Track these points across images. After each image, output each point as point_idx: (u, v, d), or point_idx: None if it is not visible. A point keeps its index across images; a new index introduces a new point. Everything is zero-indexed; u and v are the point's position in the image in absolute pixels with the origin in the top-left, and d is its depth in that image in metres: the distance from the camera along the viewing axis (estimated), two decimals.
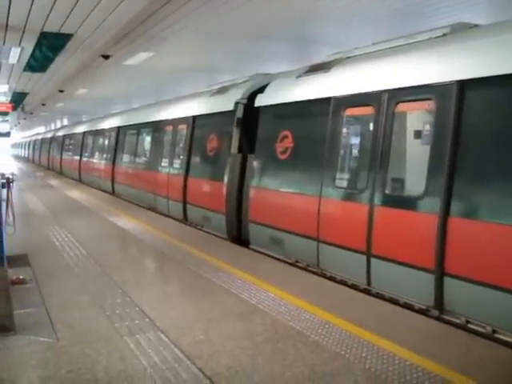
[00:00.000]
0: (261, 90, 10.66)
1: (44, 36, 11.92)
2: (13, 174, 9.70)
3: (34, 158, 52.63)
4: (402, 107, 7.20)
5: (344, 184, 8.31)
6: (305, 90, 9.09)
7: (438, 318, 6.15)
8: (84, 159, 27.91)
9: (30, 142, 61.10)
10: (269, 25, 11.42)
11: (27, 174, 33.21)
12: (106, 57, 14.52)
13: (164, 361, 4.72)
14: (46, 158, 42.49)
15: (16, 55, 13.85)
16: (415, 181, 7.03)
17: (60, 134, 37.74)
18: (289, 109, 9.51)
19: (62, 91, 22.63)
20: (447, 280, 6.11)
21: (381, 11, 10.03)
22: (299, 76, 9.44)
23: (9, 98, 24.97)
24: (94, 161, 25.62)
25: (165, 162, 15.35)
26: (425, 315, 6.22)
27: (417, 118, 7.68)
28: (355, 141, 8.88)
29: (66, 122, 44.44)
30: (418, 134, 7.62)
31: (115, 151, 21.46)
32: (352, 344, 5.15)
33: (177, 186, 13.88)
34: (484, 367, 4.63)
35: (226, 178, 11.25)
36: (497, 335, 5.57)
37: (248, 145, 10.85)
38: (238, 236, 10.93)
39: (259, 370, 4.54)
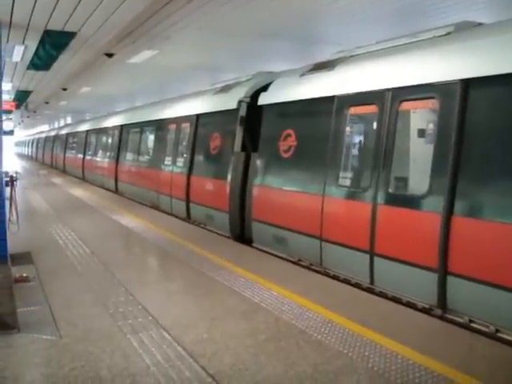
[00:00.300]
0: (264, 88, 10.65)
1: (48, 34, 11.93)
2: (16, 173, 9.72)
3: (38, 157, 52.71)
4: (405, 106, 7.19)
5: (347, 183, 8.30)
6: (308, 88, 9.08)
7: (441, 317, 6.14)
8: (87, 157, 27.93)
9: (33, 140, 61.18)
10: (272, 23, 11.41)
11: (31, 172, 33.29)
12: (110, 55, 14.53)
13: (167, 359, 4.72)
14: (50, 157, 42.56)
15: (19, 53, 13.87)
16: (419, 180, 7.02)
17: (63, 132, 37.79)
18: (292, 107, 9.51)
19: (65, 89, 22.64)
20: (450, 279, 6.10)
21: (383, 10, 10.01)
22: (303, 74, 9.43)
23: (12, 97, 24.99)
24: (98, 159, 25.64)
25: (168, 161, 15.35)
26: (428, 314, 6.22)
27: (420, 116, 7.67)
28: (359, 139, 8.88)
29: (69, 120, 44.49)
30: (421, 133, 7.61)
31: (118, 149, 21.47)
32: (355, 343, 5.14)
33: (180, 185, 13.89)
34: (487, 366, 4.62)
35: (229, 177, 11.24)
36: (500, 334, 5.56)
37: (251, 143, 10.84)
38: (241, 234, 10.92)
39: (262, 369, 4.54)
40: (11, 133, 36.84)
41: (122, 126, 21.46)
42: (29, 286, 6.98)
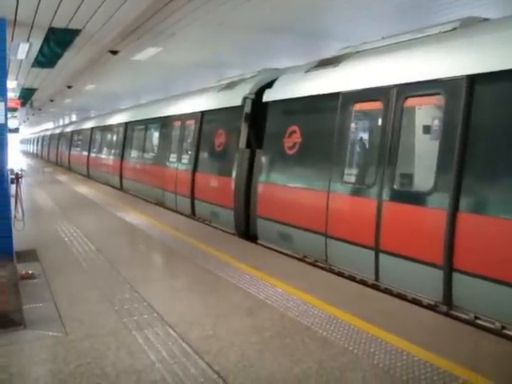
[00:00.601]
0: (269, 85, 10.64)
1: (52, 32, 11.95)
2: (22, 170, 9.74)
3: (43, 154, 52.82)
4: (410, 102, 7.17)
5: (352, 179, 8.29)
6: (313, 84, 9.06)
7: (447, 314, 6.13)
8: (92, 155, 27.98)
9: (38, 137, 61.33)
10: (276, 19, 11.40)
11: (36, 170, 33.39)
12: (114, 52, 14.55)
13: (172, 355, 4.73)
14: (55, 154, 42.65)
15: (24, 51, 13.88)
16: (424, 176, 7.01)
17: (68, 129, 37.86)
18: (297, 104, 9.49)
19: (70, 87, 22.69)
20: (456, 276, 6.09)
21: (388, 5, 10.01)
22: (308, 71, 9.42)
23: (17, 94, 25.05)
24: (102, 156, 25.69)
25: (173, 158, 15.37)
26: (433, 311, 6.21)
27: (426, 113, 7.66)
28: (364, 136, 8.87)
29: (74, 117, 44.58)
30: (426, 129, 7.60)
31: (123, 147, 21.50)
32: (360, 339, 5.14)
33: (185, 182, 13.90)
34: (493, 363, 4.61)
35: (234, 174, 11.25)
36: (506, 331, 5.55)
37: (256, 140, 10.84)
38: (246, 231, 10.93)
39: (267, 365, 4.54)
40: (16, 130, 36.94)
41: (126, 123, 21.48)
42: (34, 282, 7.00)
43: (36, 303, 6.11)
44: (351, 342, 5.09)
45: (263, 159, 10.34)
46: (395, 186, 7.12)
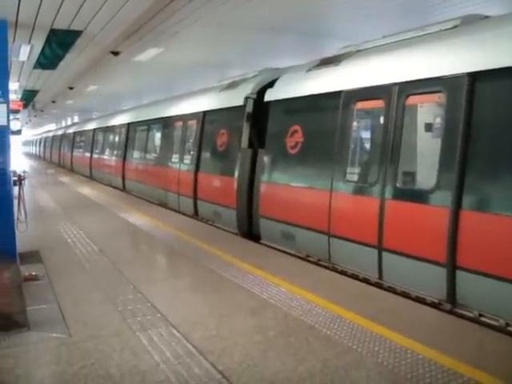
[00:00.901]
0: (270, 84, 10.64)
1: (54, 33, 11.96)
2: (24, 172, 9.75)
3: (45, 156, 52.90)
4: (412, 100, 7.16)
5: (355, 178, 8.29)
6: (315, 83, 9.05)
7: (451, 312, 6.12)
8: (95, 156, 28.01)
9: (40, 139, 61.40)
10: (278, 18, 11.40)
11: (38, 172, 33.43)
12: (116, 53, 14.56)
13: (176, 356, 4.73)
14: (57, 156, 42.70)
15: (26, 52, 13.90)
16: (426, 174, 7.00)
17: (70, 131, 37.90)
18: (299, 103, 9.49)
19: (72, 88, 22.71)
20: (459, 273, 6.08)
21: (389, 4, 9.99)
22: (309, 70, 9.41)
23: (19, 96, 25.07)
24: (105, 157, 25.70)
25: (175, 158, 15.37)
26: (437, 309, 6.20)
27: (427, 110, 7.65)
28: (366, 134, 8.87)
29: (76, 119, 44.62)
30: (428, 127, 7.59)
31: (126, 148, 21.51)
32: (364, 338, 5.14)
33: (187, 182, 13.90)
34: (497, 361, 4.61)
35: (236, 173, 11.25)
36: (510, 328, 5.54)
37: (258, 140, 10.84)
38: (249, 231, 10.93)
39: (271, 365, 4.54)
40: (19, 132, 37.01)
41: (128, 124, 21.50)
42: (38, 284, 7.00)
43: (40, 305, 6.11)
44: (355, 340, 5.09)
45: (265, 159, 10.33)
46: (398, 185, 7.11)
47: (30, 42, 12.93)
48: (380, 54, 7.95)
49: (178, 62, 16.89)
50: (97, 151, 27.72)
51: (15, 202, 8.18)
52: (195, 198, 13.48)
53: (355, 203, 7.95)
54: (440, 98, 6.72)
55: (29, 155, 70.36)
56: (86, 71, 18.34)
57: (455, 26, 7.02)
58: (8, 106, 6.86)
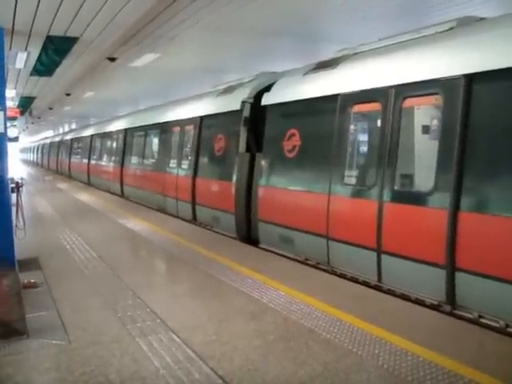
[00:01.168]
0: (267, 88, 10.65)
1: (50, 40, 11.97)
2: (22, 179, 9.73)
3: (43, 162, 52.85)
4: (409, 102, 7.17)
5: (353, 181, 8.30)
6: (311, 87, 9.07)
7: (451, 314, 6.12)
8: (92, 162, 28.00)
9: (38, 146, 61.37)
10: (275, 22, 11.42)
11: (36, 178, 33.41)
12: (112, 59, 14.57)
13: (176, 361, 4.72)
14: (55, 162, 42.68)
15: (22, 60, 13.91)
16: (424, 176, 7.00)
17: (68, 137, 37.89)
18: (296, 107, 9.49)
19: (68, 94, 22.71)
20: (458, 275, 6.08)
21: (384, 7, 10.01)
22: (306, 73, 9.42)
23: (16, 103, 25.07)
24: (103, 163, 25.70)
25: (173, 163, 15.38)
26: (437, 311, 6.20)
27: (424, 113, 7.66)
28: (363, 137, 8.87)
29: (73, 125, 44.61)
30: (426, 129, 7.60)
31: (123, 153, 21.51)
32: (364, 341, 5.13)
33: (185, 187, 13.90)
34: (498, 362, 4.60)
35: (234, 178, 11.25)
36: (510, 329, 5.54)
37: (256, 144, 10.84)
38: (248, 235, 10.92)
39: (271, 369, 4.53)
40: (16, 139, 37.02)
41: (126, 129, 21.50)
42: (37, 291, 6.99)
43: (39, 312, 6.10)
44: (355, 343, 5.08)
45: (263, 163, 10.33)
46: (396, 187, 7.12)
47: (26, 49, 12.93)
48: (376, 56, 7.97)
49: (174, 68, 16.91)
50: (94, 157, 27.71)
51: (13, 209, 8.17)
52: (193, 203, 13.47)
53: (353, 206, 7.95)
54: (437, 100, 6.73)
55: (26, 162, 70.30)
56: (82, 77, 18.35)
57: (451, 28, 7.04)
58: (5, 113, 6.86)
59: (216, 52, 14.83)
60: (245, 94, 11.27)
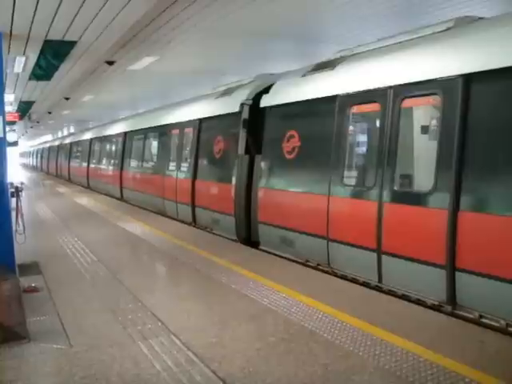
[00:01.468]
0: (266, 90, 10.65)
1: (48, 44, 11.95)
2: (21, 183, 9.72)
3: (43, 167, 52.88)
4: (408, 103, 7.17)
5: (352, 182, 8.30)
6: (310, 88, 9.07)
7: (451, 314, 6.11)
8: (92, 166, 28.01)
9: (37, 150, 61.39)
10: (272, 24, 11.41)
11: (36, 183, 33.42)
12: (111, 63, 14.55)
13: (177, 364, 4.72)
14: (54, 166, 42.69)
15: (21, 64, 13.89)
16: (424, 176, 7.00)
17: (67, 141, 37.91)
18: (294, 108, 9.50)
19: (67, 98, 22.68)
20: (459, 275, 6.07)
21: (382, 7, 10.00)
22: (304, 75, 9.43)
23: (15, 108, 25.05)
24: (102, 167, 25.70)
25: (172, 166, 15.37)
26: (438, 311, 6.20)
27: (423, 113, 7.66)
28: (362, 138, 8.87)
29: (72, 129, 44.60)
30: (425, 130, 7.59)
31: (122, 157, 21.52)
32: (365, 342, 5.13)
33: (185, 190, 13.89)
34: (499, 361, 4.60)
35: (233, 180, 11.24)
36: (511, 329, 5.53)
37: (255, 146, 10.85)
38: (248, 237, 10.92)
39: (273, 371, 4.53)
40: (15, 144, 37.03)
41: (125, 133, 21.51)
42: (37, 296, 7.00)
43: (39, 316, 6.10)
44: (356, 344, 5.08)
45: (262, 164, 10.33)
46: (395, 187, 7.12)
47: (24, 53, 12.91)
48: (375, 57, 7.97)
49: (173, 70, 16.89)
50: (94, 161, 27.72)
51: (13, 213, 8.17)
52: (193, 205, 13.47)
53: (353, 207, 7.95)
54: (435, 100, 6.73)
55: (26, 166, 70.31)
56: (81, 81, 18.32)
57: (449, 28, 7.04)
58: (4, 118, 6.87)
59: (214, 54, 14.82)
60: (243, 95, 11.27)
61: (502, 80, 5.78)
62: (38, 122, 36.25)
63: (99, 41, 11.94)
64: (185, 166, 14.41)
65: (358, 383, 4.32)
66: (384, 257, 7.15)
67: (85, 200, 20.30)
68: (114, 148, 23.80)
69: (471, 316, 5.95)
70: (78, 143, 33.26)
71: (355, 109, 8.10)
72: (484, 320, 5.81)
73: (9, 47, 11.84)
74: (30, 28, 10.45)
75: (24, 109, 25.93)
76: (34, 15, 9.57)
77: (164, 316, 6.03)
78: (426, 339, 5.10)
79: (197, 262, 8.80)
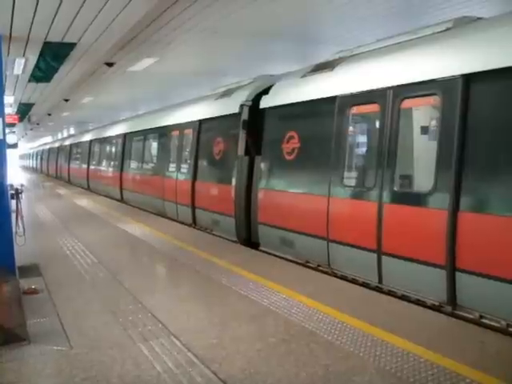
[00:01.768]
0: (266, 91, 10.66)
1: (48, 46, 11.97)
2: (21, 185, 9.72)
3: (42, 168, 52.89)
4: (407, 103, 7.17)
5: (352, 182, 8.30)
6: (309, 89, 9.07)
7: (452, 314, 6.11)
8: (92, 167, 28.01)
9: (37, 152, 61.40)
10: (271, 25, 11.41)
11: (36, 185, 33.42)
12: (110, 64, 14.56)
13: (178, 365, 4.72)
14: (54, 168, 42.70)
15: (20, 66, 13.90)
16: (424, 177, 7.00)
17: (67, 143, 37.92)
18: (294, 109, 9.50)
19: (67, 100, 22.69)
20: (459, 275, 6.07)
21: (382, 8, 10.01)
22: (303, 76, 9.43)
23: (15, 110, 25.06)
24: (102, 168, 25.71)
25: (172, 167, 15.37)
26: (438, 311, 6.20)
27: (423, 114, 7.66)
28: (362, 139, 8.87)
29: (72, 131, 44.61)
30: (424, 130, 7.59)
31: (122, 158, 21.52)
32: (366, 343, 5.13)
33: (185, 191, 13.89)
34: (499, 362, 4.60)
35: (233, 181, 11.24)
36: (511, 329, 5.53)
37: (255, 147, 10.85)
38: (248, 238, 10.92)
39: (273, 372, 4.53)
40: (15, 146, 37.01)
41: (125, 134, 21.51)
42: (38, 297, 6.99)
43: (40, 318, 6.10)
44: (357, 345, 5.08)
45: (262, 165, 10.34)
46: (395, 188, 7.12)
47: (24, 55, 12.93)
48: (374, 58, 7.97)
49: (172, 72, 16.90)
50: (94, 162, 27.72)
51: (13, 215, 8.17)
52: (193, 206, 13.47)
53: (353, 208, 7.94)
54: (435, 100, 6.73)
55: (26, 168, 70.31)
56: (80, 83, 18.33)
57: (448, 29, 7.04)
58: (4, 120, 6.87)
59: (214, 56, 14.83)
60: (243, 97, 11.27)
61: (502, 80, 5.78)
62: (37, 124, 36.28)
63: (99, 42, 11.96)
64: (185, 168, 14.41)
65: None
66: (384, 257, 7.15)
67: (85, 201, 20.30)
68: (113, 149, 23.81)
69: (471, 316, 5.94)
70: (77, 145, 33.26)
71: (355, 109, 8.10)
72: (484, 320, 5.81)
73: (8, 49, 11.85)
74: (30, 30, 10.46)
75: (24, 111, 25.94)
76: (34, 17, 9.57)
77: (164, 317, 6.03)
78: (426, 340, 5.09)
79: (197, 263, 8.80)
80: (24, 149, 77.09)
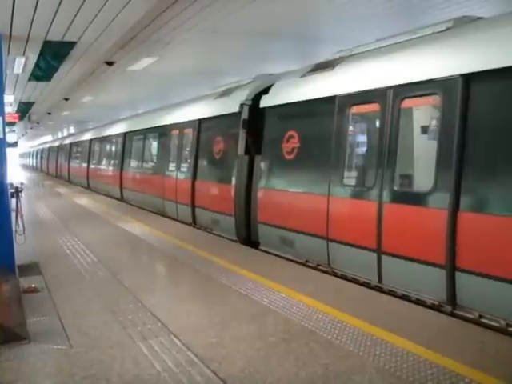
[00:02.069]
0: (265, 90, 10.66)
1: (48, 45, 11.97)
2: (21, 184, 9.73)
3: (42, 167, 52.89)
4: (407, 103, 7.17)
5: (352, 182, 8.30)
6: (309, 89, 9.07)
7: (451, 314, 6.12)
8: (92, 166, 28.01)
9: (37, 151, 61.38)
10: (271, 25, 11.41)
11: (36, 183, 33.42)
12: (110, 63, 14.55)
13: (178, 364, 4.72)
14: (54, 167, 42.70)
15: (21, 65, 13.90)
16: (423, 176, 7.00)
17: (67, 142, 37.91)
18: (294, 109, 9.50)
19: (67, 99, 22.69)
20: (459, 275, 6.07)
21: (382, 7, 10.01)
22: (303, 75, 9.43)
23: (15, 109, 25.06)
24: (102, 167, 25.70)
25: (172, 166, 15.37)
26: (438, 311, 6.20)
27: (423, 113, 7.66)
28: (362, 138, 8.87)
29: (72, 130, 44.61)
30: (424, 130, 7.59)
31: (122, 157, 21.52)
32: (365, 342, 5.13)
33: (185, 190, 13.89)
34: (499, 361, 4.60)
35: (233, 180, 11.25)
36: (511, 329, 5.53)
37: (254, 146, 10.84)
38: (248, 238, 10.92)
39: (273, 371, 4.53)
40: (15, 145, 37.02)
41: (125, 133, 21.51)
42: (37, 296, 7.00)
43: (40, 317, 6.10)
44: (356, 344, 5.08)
45: (262, 165, 10.34)
46: (395, 188, 7.12)
47: (24, 54, 12.92)
48: (374, 57, 7.97)
49: (172, 71, 16.90)
50: (94, 161, 27.72)
51: (13, 214, 8.18)
52: (193, 205, 13.47)
53: (353, 207, 7.95)
54: (435, 100, 6.73)
55: (26, 167, 70.30)
56: (80, 82, 18.33)
57: (448, 28, 7.04)
58: (4, 119, 6.88)
59: (213, 55, 14.83)
60: (243, 96, 11.27)
61: (502, 80, 5.79)
62: (37, 123, 36.26)
63: (99, 41, 11.95)
64: (185, 167, 14.41)
65: (359, 383, 4.32)
66: (384, 257, 7.16)
67: (84, 200, 20.30)
68: (113, 148, 23.80)
69: (471, 316, 5.95)
70: (77, 144, 33.26)
71: (355, 109, 8.10)
72: (484, 320, 5.81)
73: (8, 48, 11.85)
74: (30, 29, 10.46)
75: (24, 110, 25.94)
76: (34, 16, 9.57)
77: (164, 316, 6.03)
78: (425, 339, 5.10)
79: (197, 262, 8.80)
80: (24, 147, 77.06)
